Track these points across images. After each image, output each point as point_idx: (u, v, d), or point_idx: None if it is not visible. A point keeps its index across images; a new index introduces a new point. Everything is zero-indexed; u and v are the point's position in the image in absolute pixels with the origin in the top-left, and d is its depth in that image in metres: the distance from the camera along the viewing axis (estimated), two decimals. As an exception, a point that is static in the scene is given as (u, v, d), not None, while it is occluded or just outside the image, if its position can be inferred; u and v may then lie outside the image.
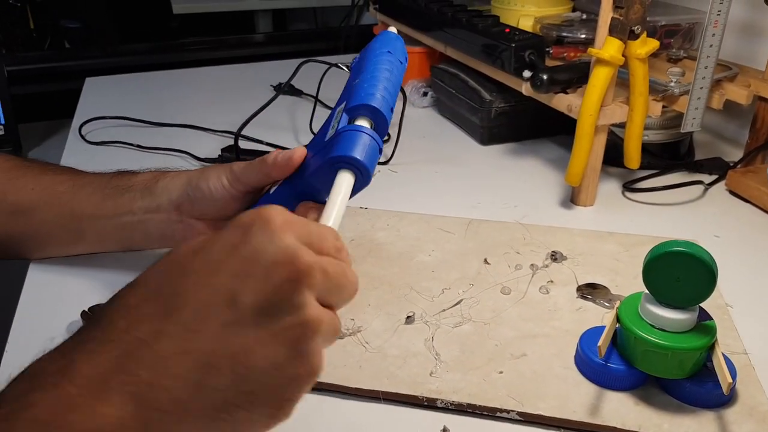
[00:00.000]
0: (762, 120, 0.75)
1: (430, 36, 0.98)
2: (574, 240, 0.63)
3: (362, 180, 0.41)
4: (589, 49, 0.64)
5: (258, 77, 1.16)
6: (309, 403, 0.44)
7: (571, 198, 0.72)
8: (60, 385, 0.24)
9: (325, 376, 0.45)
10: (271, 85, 1.10)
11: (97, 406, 0.24)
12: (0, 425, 0.23)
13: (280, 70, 1.16)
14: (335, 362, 0.47)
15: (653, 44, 0.65)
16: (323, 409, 0.44)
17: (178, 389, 0.25)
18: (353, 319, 0.51)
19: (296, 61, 0.94)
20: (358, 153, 0.40)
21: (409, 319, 0.51)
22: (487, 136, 0.89)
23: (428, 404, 0.44)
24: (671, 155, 0.80)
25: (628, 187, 0.74)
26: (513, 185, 0.77)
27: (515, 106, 0.87)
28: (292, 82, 0.95)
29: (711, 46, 0.64)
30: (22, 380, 0.25)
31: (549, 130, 0.91)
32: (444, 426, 0.42)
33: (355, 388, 0.45)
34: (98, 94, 1.08)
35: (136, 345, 0.25)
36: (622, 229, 0.65)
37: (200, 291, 0.27)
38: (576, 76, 0.70)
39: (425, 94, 1.04)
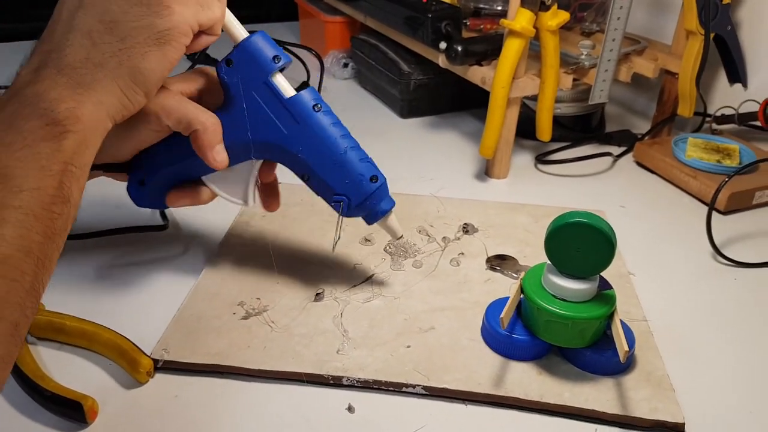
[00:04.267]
0: (668, 93, 0.77)
1: (349, 5, 0.96)
2: (486, 212, 0.63)
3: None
4: (501, 21, 0.63)
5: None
6: (210, 387, 0.43)
7: (486, 170, 0.73)
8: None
9: (228, 359, 0.44)
10: (186, 55, 1.05)
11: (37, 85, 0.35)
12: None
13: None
14: (239, 344, 0.45)
15: (564, 16, 0.65)
16: (226, 393, 0.42)
17: (78, 49, 0.36)
18: (259, 299, 0.50)
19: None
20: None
21: (319, 296, 0.50)
22: (406, 109, 0.88)
23: (334, 383, 0.43)
24: (583, 128, 0.82)
25: (541, 159, 0.75)
26: (430, 158, 0.77)
27: (434, 78, 0.86)
28: (207, 51, 0.91)
29: (618, 18, 0.65)
30: None
31: (468, 103, 0.91)
32: (349, 404, 0.42)
33: (258, 370, 0.43)
34: None
35: (48, 49, 0.36)
36: (534, 201, 0.66)
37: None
38: (491, 48, 0.70)
39: (346, 65, 1.01)
